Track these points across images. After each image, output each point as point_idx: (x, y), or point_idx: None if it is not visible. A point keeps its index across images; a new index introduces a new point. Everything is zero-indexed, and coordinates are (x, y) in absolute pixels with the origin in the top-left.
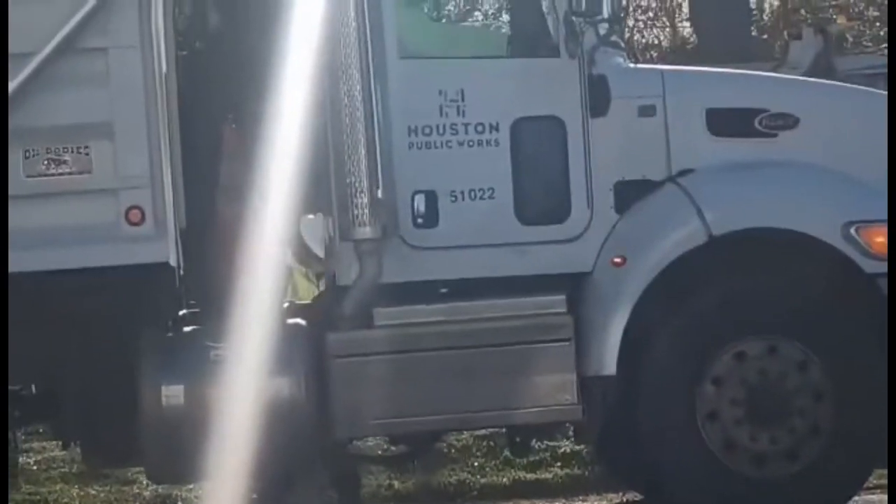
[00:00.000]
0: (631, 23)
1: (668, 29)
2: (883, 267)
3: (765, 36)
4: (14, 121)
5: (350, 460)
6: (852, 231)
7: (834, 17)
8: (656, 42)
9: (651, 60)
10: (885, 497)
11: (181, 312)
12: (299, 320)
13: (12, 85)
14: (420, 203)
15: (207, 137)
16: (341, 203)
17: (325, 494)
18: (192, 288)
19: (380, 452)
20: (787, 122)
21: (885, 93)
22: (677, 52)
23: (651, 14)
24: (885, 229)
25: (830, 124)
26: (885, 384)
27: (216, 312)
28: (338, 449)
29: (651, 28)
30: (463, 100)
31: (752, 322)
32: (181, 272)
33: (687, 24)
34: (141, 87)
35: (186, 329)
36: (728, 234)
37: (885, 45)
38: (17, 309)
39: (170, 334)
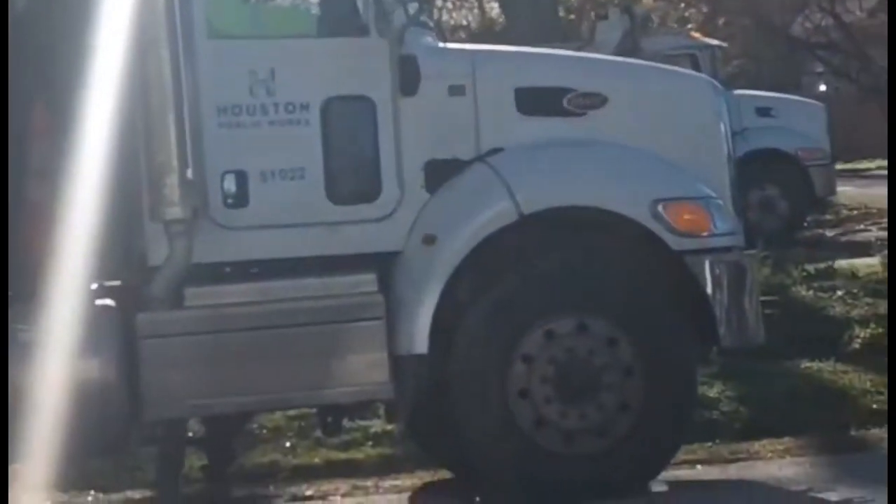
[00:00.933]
0: (439, 3)
1: (475, 10)
2: (689, 244)
3: (572, 16)
4: None
5: (170, 441)
6: (660, 208)
7: None
8: (465, 24)
9: (460, 41)
10: (691, 472)
11: None
12: (109, 301)
13: None
14: (230, 183)
15: (16, 119)
16: (151, 183)
17: (141, 474)
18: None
19: (190, 434)
20: (595, 101)
21: (691, 72)
22: (485, 33)
23: None
24: (691, 206)
25: (638, 103)
26: (692, 360)
27: (25, 295)
28: (154, 429)
29: (459, 9)
30: (273, 79)
31: (562, 300)
32: None
33: (495, 5)
34: None
35: None
36: (538, 213)
37: (689, 25)
38: None
39: None
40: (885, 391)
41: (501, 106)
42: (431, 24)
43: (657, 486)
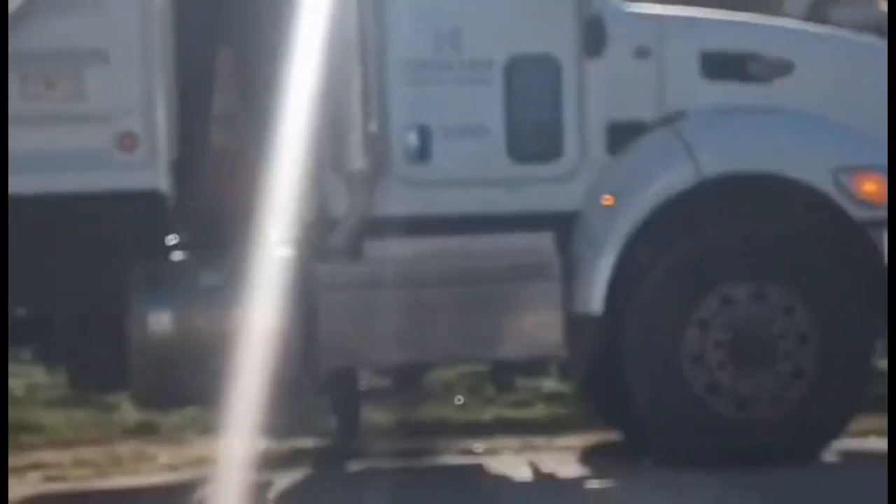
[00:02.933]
0: None
1: None
2: (871, 213)
3: None
4: (13, 44)
5: (349, 390)
6: (842, 177)
7: None
8: None
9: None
10: (863, 442)
11: (171, 240)
12: (290, 250)
13: (12, 7)
14: (413, 138)
15: (202, 68)
16: (335, 135)
17: (319, 421)
18: (182, 216)
19: (363, 386)
20: (782, 67)
21: (880, 41)
22: None
23: None
24: (874, 175)
25: (825, 71)
26: (869, 330)
27: (206, 241)
28: (328, 378)
29: None
30: (458, 36)
31: (740, 266)
32: (172, 200)
33: None
34: (137, 14)
35: (176, 257)
36: (718, 177)
37: None
38: (9, 231)
39: (159, 261)
40: None
41: (686, 70)
42: None
43: (829, 456)
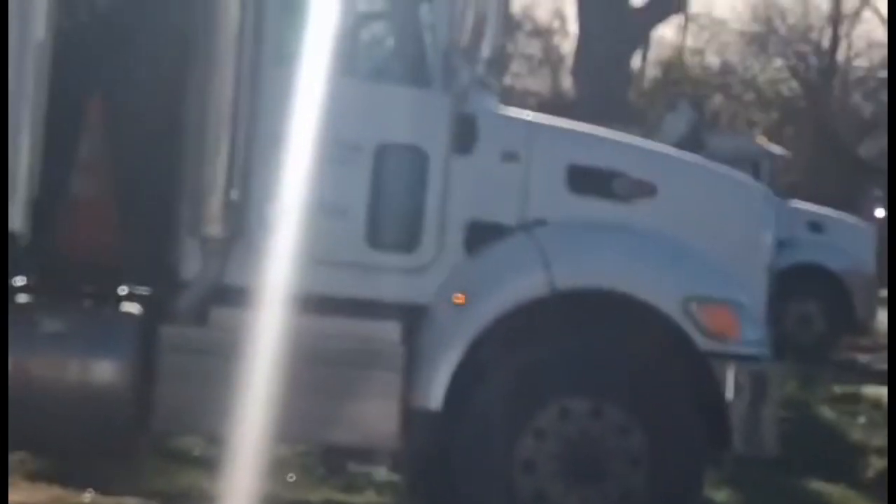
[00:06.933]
0: (515, 69)
1: (549, 79)
2: (716, 346)
3: (641, 102)
4: None
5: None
6: (692, 306)
7: (711, 94)
8: (535, 90)
9: (527, 107)
10: None
11: (18, 282)
12: (134, 308)
13: None
14: (271, 209)
15: (72, 110)
16: (193, 197)
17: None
18: (34, 260)
19: (196, 453)
20: (646, 189)
21: (745, 176)
22: (554, 103)
23: (534, 62)
24: (723, 308)
25: (686, 198)
26: (701, 462)
27: (54, 287)
28: (162, 440)
29: (534, 76)
30: (331, 116)
31: (581, 381)
32: (25, 242)
33: (568, 77)
34: (16, 56)
35: (19, 299)
36: (571, 290)
37: (755, 129)
38: None
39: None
40: None
41: (552, 179)
42: (497, 86)
43: None
